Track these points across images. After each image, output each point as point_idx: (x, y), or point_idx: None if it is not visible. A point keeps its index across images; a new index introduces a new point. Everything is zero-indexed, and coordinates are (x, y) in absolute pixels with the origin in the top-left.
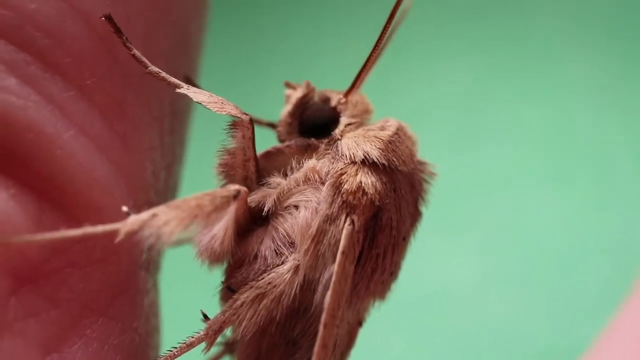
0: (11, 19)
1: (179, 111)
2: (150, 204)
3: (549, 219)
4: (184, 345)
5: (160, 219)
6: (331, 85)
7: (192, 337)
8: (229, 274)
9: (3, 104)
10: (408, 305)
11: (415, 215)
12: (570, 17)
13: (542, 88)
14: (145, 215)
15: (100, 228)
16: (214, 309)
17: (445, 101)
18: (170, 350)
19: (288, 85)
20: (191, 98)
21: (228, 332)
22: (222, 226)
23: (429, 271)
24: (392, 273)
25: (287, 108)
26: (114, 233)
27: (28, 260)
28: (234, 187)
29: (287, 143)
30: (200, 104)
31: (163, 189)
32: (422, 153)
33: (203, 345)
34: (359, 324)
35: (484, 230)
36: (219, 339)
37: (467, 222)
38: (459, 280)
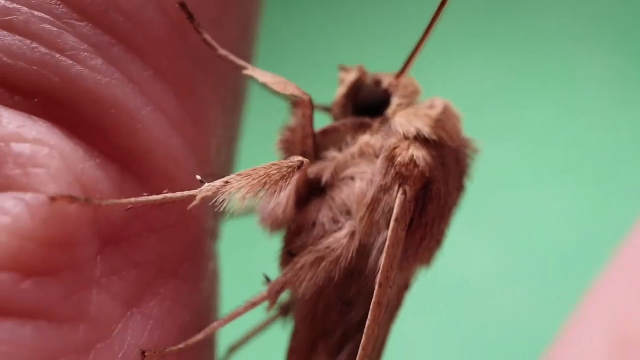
0: (98, 5)
1: (239, 91)
2: (214, 176)
3: (561, 215)
4: (248, 304)
5: (233, 186)
6: (381, 68)
7: (255, 297)
8: (289, 239)
9: (92, 81)
10: (424, 295)
11: (460, 189)
12: (579, 16)
13: (554, 86)
14: (218, 182)
15: (178, 194)
16: (274, 274)
17: (459, 99)
18: (235, 310)
19: (342, 68)
20: (251, 78)
21: (285, 295)
22: (286, 194)
23: (446, 263)
24: (438, 241)
25: (342, 90)
26: (189, 199)
27: (112, 223)
28: (297, 158)
29: (342, 121)
30: (265, 84)
31: (224, 162)
32: None
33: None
34: (406, 287)
35: (499, 226)
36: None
37: (482, 217)
38: (473, 273)
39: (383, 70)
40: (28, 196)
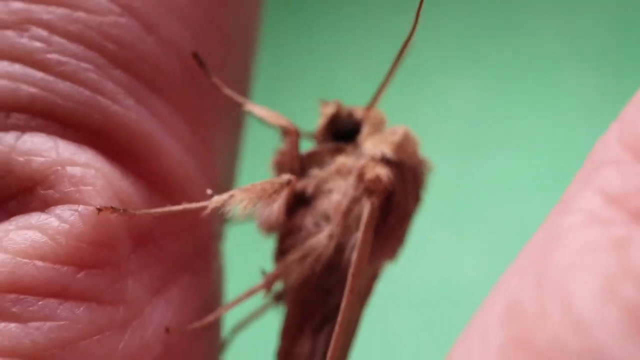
0: (128, 57)
1: (240, 122)
2: (220, 190)
3: None
4: (249, 291)
5: (237, 199)
6: (352, 95)
7: (254, 286)
8: (281, 241)
9: (126, 117)
10: (416, 295)
11: (418, 199)
12: (570, 34)
13: (544, 99)
14: (225, 195)
15: (194, 205)
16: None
17: (453, 111)
18: (237, 296)
19: (323, 102)
20: (250, 113)
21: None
22: (278, 205)
23: (438, 266)
24: (400, 241)
25: (322, 121)
26: (202, 209)
27: (142, 228)
28: (287, 176)
29: (322, 146)
30: (261, 117)
31: (227, 179)
32: (434, 159)
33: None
34: (375, 277)
35: (489, 231)
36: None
37: (474, 222)
38: (464, 276)
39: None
40: (80, 208)
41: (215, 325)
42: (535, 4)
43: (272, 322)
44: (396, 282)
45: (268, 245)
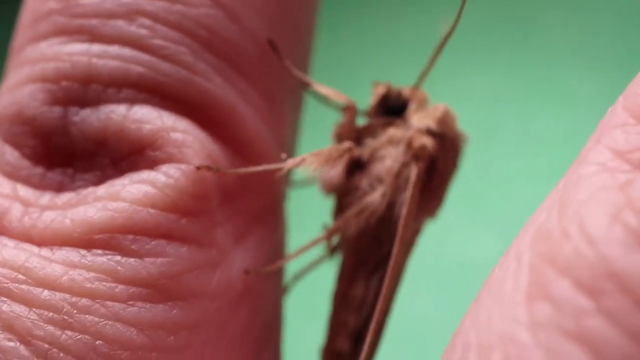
0: (218, 43)
1: (302, 96)
2: (288, 156)
3: None
4: (311, 242)
5: (307, 161)
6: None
7: (317, 237)
8: (340, 199)
9: (216, 93)
10: (431, 274)
11: (455, 165)
12: (577, 42)
13: (554, 97)
14: (298, 158)
15: (272, 166)
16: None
17: (469, 99)
18: (301, 247)
19: (375, 83)
20: (314, 90)
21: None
22: (340, 168)
23: (452, 247)
24: (440, 200)
25: (375, 99)
26: (278, 170)
27: (228, 185)
28: (348, 144)
29: (375, 120)
30: (324, 95)
31: (291, 147)
32: None
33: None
34: (418, 231)
35: (502, 216)
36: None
37: (488, 208)
38: (477, 257)
39: (407, 76)
40: (183, 166)
41: (281, 271)
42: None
43: (329, 271)
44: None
45: (329, 205)
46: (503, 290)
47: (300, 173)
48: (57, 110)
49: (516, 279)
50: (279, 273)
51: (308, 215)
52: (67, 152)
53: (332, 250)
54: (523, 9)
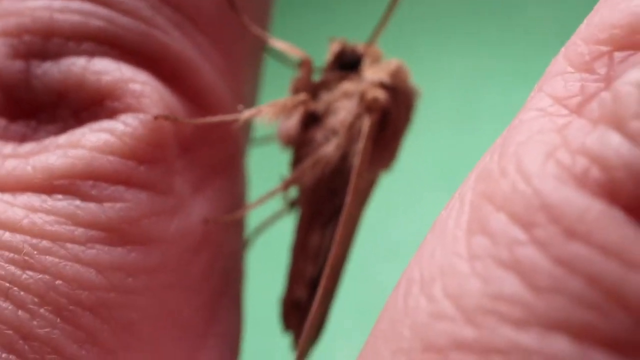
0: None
1: (260, 51)
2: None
3: None
4: (269, 193)
5: (263, 111)
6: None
7: (274, 188)
8: (296, 152)
9: (174, 47)
10: (408, 250)
11: (408, 119)
12: (560, 23)
13: (535, 77)
14: (254, 109)
15: (229, 116)
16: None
17: (449, 88)
18: (260, 197)
19: (331, 40)
20: (271, 46)
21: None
22: (295, 119)
23: (428, 224)
24: (394, 153)
25: (331, 55)
26: (235, 121)
27: (186, 136)
28: (303, 95)
29: (330, 74)
30: (282, 50)
31: (250, 103)
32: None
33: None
34: (372, 183)
35: None
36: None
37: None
38: None
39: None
40: (141, 115)
41: (241, 223)
42: None
43: (287, 225)
44: (390, 236)
45: (286, 157)
46: (446, 228)
47: (259, 129)
48: (19, 64)
49: (458, 216)
50: (238, 224)
51: (268, 169)
52: (29, 104)
53: (291, 204)
54: None
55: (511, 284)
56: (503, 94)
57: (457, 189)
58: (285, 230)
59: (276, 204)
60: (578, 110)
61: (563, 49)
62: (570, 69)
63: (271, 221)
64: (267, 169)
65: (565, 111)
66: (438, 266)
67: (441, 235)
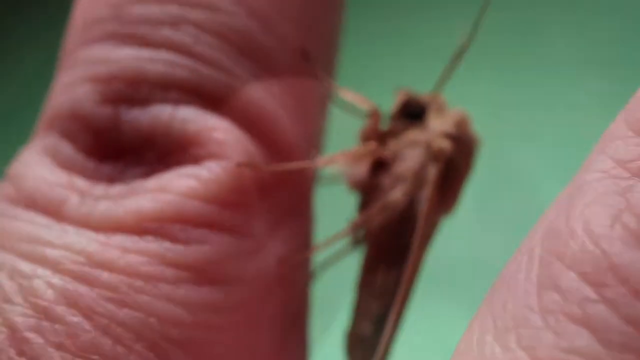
0: (254, 50)
1: (329, 101)
2: (317, 153)
3: None
4: (337, 234)
5: (336, 159)
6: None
7: (341, 231)
8: (364, 195)
9: (252, 96)
10: (440, 269)
11: (470, 167)
12: (589, 35)
13: (560, 99)
14: (327, 157)
15: (304, 163)
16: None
17: (474, 102)
18: (327, 238)
19: (396, 90)
20: (341, 97)
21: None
22: (365, 166)
23: (461, 242)
24: (456, 199)
25: (397, 105)
26: (309, 167)
27: (264, 181)
28: (373, 144)
29: (397, 123)
30: (351, 99)
31: (319, 147)
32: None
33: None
34: (435, 225)
35: (510, 214)
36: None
37: (495, 207)
38: (487, 251)
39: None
40: (224, 163)
41: (309, 261)
42: (553, 6)
43: (351, 263)
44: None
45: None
46: (516, 281)
47: (327, 171)
48: (109, 109)
49: (528, 271)
50: (307, 263)
51: (333, 211)
52: (117, 147)
53: (356, 243)
54: (526, 17)
55: (583, 339)
56: (528, 114)
57: (522, 243)
58: (349, 267)
59: (341, 242)
60: (639, 174)
61: (623, 113)
62: (631, 134)
63: (337, 258)
64: (331, 208)
65: (627, 174)
66: (511, 317)
67: (512, 288)
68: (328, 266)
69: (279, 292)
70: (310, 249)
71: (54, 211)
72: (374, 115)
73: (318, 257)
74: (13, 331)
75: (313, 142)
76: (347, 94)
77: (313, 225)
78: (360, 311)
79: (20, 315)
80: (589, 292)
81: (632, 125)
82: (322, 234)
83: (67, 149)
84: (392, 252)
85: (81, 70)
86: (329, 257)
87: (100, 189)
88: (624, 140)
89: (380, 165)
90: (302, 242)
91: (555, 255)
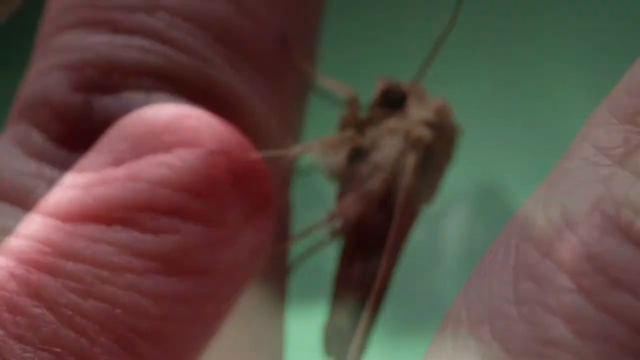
0: (230, 37)
1: (308, 88)
2: (295, 143)
3: None
4: (314, 224)
5: (312, 147)
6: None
7: (319, 220)
8: (341, 185)
9: (227, 82)
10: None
11: (450, 156)
12: (583, 34)
13: (557, 97)
14: (303, 145)
15: (281, 151)
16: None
17: (466, 105)
18: (306, 228)
19: (377, 78)
20: (321, 84)
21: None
22: (342, 155)
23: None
24: (435, 188)
25: (377, 93)
26: (285, 154)
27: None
28: (351, 132)
29: (376, 111)
30: (331, 87)
31: (297, 136)
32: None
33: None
34: (415, 215)
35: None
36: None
37: (488, 204)
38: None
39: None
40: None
41: (286, 251)
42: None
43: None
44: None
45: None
46: (492, 272)
47: (305, 160)
48: (81, 97)
49: (504, 261)
50: (284, 253)
51: (311, 201)
52: (88, 136)
53: (334, 234)
54: (519, 17)
55: (558, 329)
56: (523, 117)
57: (500, 233)
58: (326, 257)
59: (318, 232)
60: (621, 161)
61: (606, 100)
62: (613, 120)
63: (314, 250)
64: (308, 198)
65: (608, 161)
66: (486, 309)
67: (487, 279)
68: (305, 257)
69: (254, 282)
70: (287, 240)
71: (21, 201)
72: (353, 103)
73: (295, 248)
74: None
75: (290, 130)
76: (326, 81)
77: (289, 214)
78: (337, 303)
79: None
80: (565, 281)
81: (614, 112)
82: (299, 224)
83: (37, 137)
84: (370, 243)
85: (53, 57)
86: (306, 248)
87: (69, 178)
88: (605, 128)
89: (358, 154)
90: (279, 232)
91: (531, 244)
